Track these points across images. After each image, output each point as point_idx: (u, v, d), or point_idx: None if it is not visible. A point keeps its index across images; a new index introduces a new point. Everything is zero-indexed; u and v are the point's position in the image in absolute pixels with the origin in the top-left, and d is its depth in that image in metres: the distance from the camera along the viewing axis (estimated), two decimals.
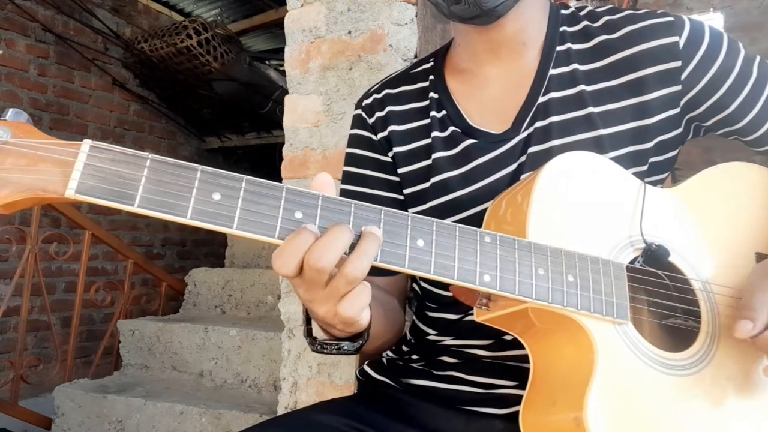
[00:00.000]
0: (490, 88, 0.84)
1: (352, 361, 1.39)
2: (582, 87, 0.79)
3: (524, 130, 0.80)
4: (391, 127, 0.88)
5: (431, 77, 0.89)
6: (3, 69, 3.42)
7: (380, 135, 0.89)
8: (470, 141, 0.82)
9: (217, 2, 4.35)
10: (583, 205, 0.67)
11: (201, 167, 0.51)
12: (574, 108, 0.79)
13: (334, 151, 1.49)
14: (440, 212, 0.81)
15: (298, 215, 0.53)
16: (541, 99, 0.80)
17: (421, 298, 0.91)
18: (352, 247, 0.53)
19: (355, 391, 0.99)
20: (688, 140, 0.83)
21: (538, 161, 0.75)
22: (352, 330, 0.61)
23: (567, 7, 0.86)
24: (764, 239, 0.75)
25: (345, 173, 0.93)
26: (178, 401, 2.09)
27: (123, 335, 2.62)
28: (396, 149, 0.87)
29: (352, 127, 0.94)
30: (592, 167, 0.69)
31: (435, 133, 0.85)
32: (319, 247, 0.52)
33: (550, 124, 0.79)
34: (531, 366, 0.67)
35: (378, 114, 0.90)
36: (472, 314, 0.67)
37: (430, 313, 0.87)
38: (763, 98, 0.77)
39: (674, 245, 0.70)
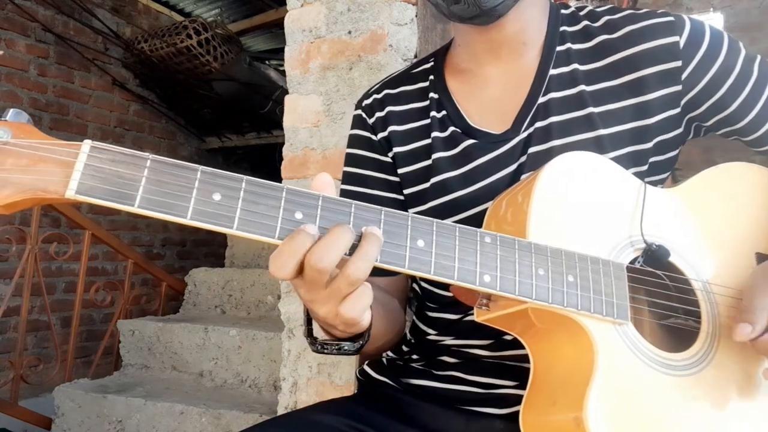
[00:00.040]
0: (490, 88, 0.84)
1: (352, 361, 1.39)
2: (582, 87, 0.79)
3: (524, 131, 0.80)
4: (391, 128, 0.88)
5: (431, 77, 0.89)
6: (3, 69, 3.42)
7: (380, 135, 0.89)
8: (470, 141, 0.82)
9: (217, 2, 4.35)
10: (583, 205, 0.67)
11: (201, 167, 0.51)
12: (575, 108, 0.79)
13: (334, 151, 1.49)
14: (440, 212, 0.81)
15: (298, 215, 0.53)
16: (542, 99, 0.80)
17: (421, 298, 0.91)
18: (353, 248, 0.53)
19: (355, 391, 0.99)
20: (689, 140, 0.83)
21: (538, 161, 0.75)
22: (353, 330, 0.61)
23: (567, 6, 0.86)
24: (764, 239, 0.75)
25: (345, 173, 0.93)
26: (178, 401, 2.09)
27: (123, 335, 2.62)
28: (396, 149, 0.87)
29: (352, 128, 0.94)
30: (592, 167, 0.69)
31: (435, 134, 0.85)
32: (320, 247, 0.51)
33: (551, 124, 0.79)
34: (531, 366, 0.67)
35: (378, 114, 0.90)
36: (472, 314, 0.67)
37: (431, 313, 0.87)
38: (763, 98, 0.77)
39: (674, 245, 0.70)
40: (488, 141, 0.81)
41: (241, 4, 4.30)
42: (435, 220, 0.58)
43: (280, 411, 1.54)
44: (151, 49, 3.85)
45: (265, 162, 4.40)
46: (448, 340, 0.83)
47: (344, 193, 0.90)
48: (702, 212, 0.74)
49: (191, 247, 4.60)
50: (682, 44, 0.75)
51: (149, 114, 4.37)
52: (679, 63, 0.76)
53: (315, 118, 1.52)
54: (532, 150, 0.78)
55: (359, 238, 0.54)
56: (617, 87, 0.78)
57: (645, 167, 0.78)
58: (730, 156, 0.79)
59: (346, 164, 0.93)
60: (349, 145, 0.93)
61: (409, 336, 0.91)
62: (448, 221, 0.59)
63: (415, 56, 1.45)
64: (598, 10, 0.84)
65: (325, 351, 0.65)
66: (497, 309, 0.64)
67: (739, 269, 0.72)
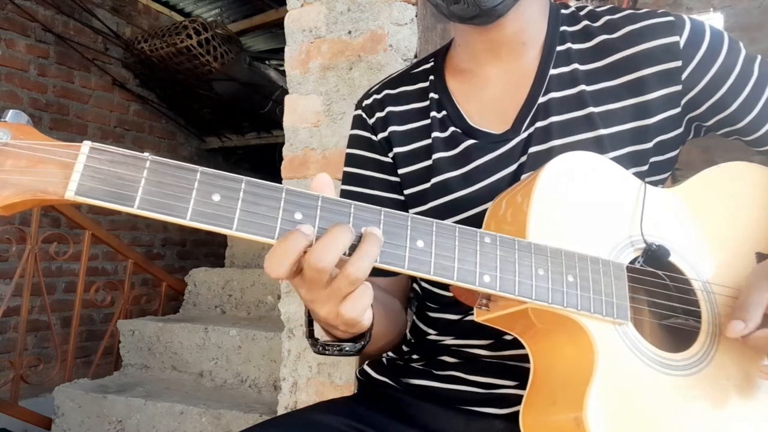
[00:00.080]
0: (491, 89, 0.84)
1: (352, 361, 1.39)
2: (582, 87, 0.79)
3: (524, 130, 0.80)
4: (392, 128, 0.88)
5: (431, 77, 0.89)
6: (3, 69, 3.42)
7: (380, 135, 0.89)
8: (470, 141, 0.82)
9: (217, 2, 4.35)
10: (583, 205, 0.67)
11: (201, 168, 0.51)
12: (575, 108, 0.78)
13: (334, 151, 1.49)
14: (440, 213, 0.81)
15: (298, 216, 0.53)
16: (542, 99, 0.80)
17: (421, 299, 0.91)
18: (354, 248, 0.53)
19: (355, 391, 0.99)
20: (689, 140, 0.83)
21: (538, 161, 0.75)
22: (354, 331, 0.60)
23: (567, 6, 0.86)
24: (765, 239, 0.75)
25: (345, 174, 0.93)
26: (178, 401, 2.09)
27: (123, 335, 2.62)
28: (396, 150, 0.87)
29: (352, 128, 0.94)
30: (592, 167, 0.69)
31: (435, 134, 0.85)
32: (319, 247, 0.51)
33: (551, 124, 0.79)
34: (531, 366, 0.67)
35: (378, 114, 0.90)
36: (472, 314, 0.67)
37: (431, 314, 0.87)
38: (763, 98, 0.77)
39: (674, 245, 0.70)
40: (488, 141, 0.81)
41: (241, 4, 4.30)
42: (434, 220, 0.58)
43: (280, 411, 1.54)
44: (151, 49, 3.85)
45: (265, 162, 4.40)
46: (449, 340, 0.83)
47: (344, 194, 0.90)
48: (702, 212, 0.74)
49: (191, 247, 4.60)
50: (682, 44, 0.75)
51: (149, 114, 4.37)
52: (679, 63, 0.76)
53: (315, 118, 1.52)
54: (532, 150, 0.78)
55: (359, 238, 0.54)
56: (617, 87, 0.78)
57: (645, 167, 0.78)
58: (730, 156, 0.79)
59: (346, 165, 0.93)
60: (349, 146, 0.93)
61: (409, 336, 0.91)
62: (449, 221, 0.59)
63: (415, 56, 1.45)
64: (598, 10, 0.84)
65: (327, 352, 0.65)
66: (497, 309, 0.64)
67: (739, 269, 0.72)
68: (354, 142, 0.93)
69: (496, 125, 0.82)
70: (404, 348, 0.90)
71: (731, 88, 0.76)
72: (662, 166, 0.80)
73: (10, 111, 0.50)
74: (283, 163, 1.57)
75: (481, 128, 0.82)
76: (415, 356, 0.87)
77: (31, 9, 3.57)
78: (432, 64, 0.92)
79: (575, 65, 0.80)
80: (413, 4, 1.45)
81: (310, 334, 0.66)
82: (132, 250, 3.08)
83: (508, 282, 0.59)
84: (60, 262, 3.42)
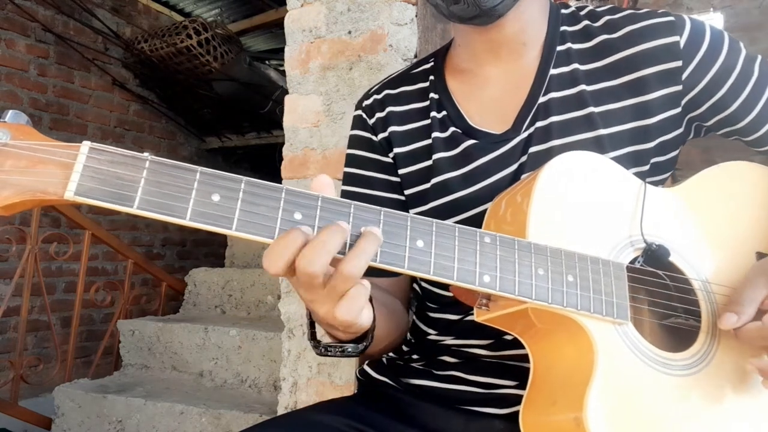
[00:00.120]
0: (491, 89, 0.84)
1: (352, 361, 1.39)
2: (582, 87, 0.79)
3: (525, 130, 0.80)
4: (392, 128, 0.88)
5: (431, 78, 0.89)
6: (3, 69, 3.42)
7: (381, 136, 0.89)
8: (471, 141, 0.82)
9: (217, 2, 4.35)
10: (583, 204, 0.67)
11: (200, 168, 0.51)
12: (575, 108, 0.78)
13: (334, 151, 1.49)
14: (441, 213, 0.81)
15: (298, 216, 0.53)
16: (542, 99, 0.80)
17: (421, 298, 0.90)
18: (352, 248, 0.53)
19: (355, 391, 0.99)
20: (689, 140, 0.83)
21: (538, 161, 0.75)
22: (353, 331, 0.61)
23: (567, 6, 0.86)
24: (765, 239, 0.75)
25: (346, 174, 0.93)
26: (178, 401, 2.09)
27: (123, 335, 2.62)
28: (396, 150, 0.87)
29: (353, 128, 0.94)
30: (592, 167, 0.69)
31: (435, 134, 0.85)
32: (308, 251, 0.51)
33: (551, 124, 0.78)
34: (531, 366, 0.67)
35: (378, 115, 0.90)
36: (472, 314, 0.67)
37: (431, 314, 0.87)
38: (764, 98, 0.77)
39: (674, 245, 0.70)
40: (489, 141, 0.81)
41: (241, 4, 4.30)
42: (434, 220, 0.58)
43: (280, 411, 1.54)
44: (151, 49, 3.85)
45: (265, 162, 4.40)
46: (449, 340, 0.83)
47: (345, 194, 0.90)
48: (702, 212, 0.74)
49: (191, 247, 4.60)
50: (682, 44, 0.75)
51: (149, 114, 4.37)
52: (679, 63, 0.75)
53: (315, 118, 1.52)
54: (532, 150, 0.78)
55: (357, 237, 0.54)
56: (617, 87, 0.78)
57: (646, 167, 0.78)
58: (730, 156, 0.79)
59: (347, 165, 0.93)
60: (350, 146, 0.93)
61: (409, 336, 0.91)
62: (449, 221, 0.59)
63: (415, 56, 1.45)
64: (599, 9, 0.84)
65: (329, 354, 0.65)
66: (497, 309, 0.64)
67: (740, 269, 0.72)
68: (354, 142, 0.93)
69: (496, 125, 0.82)
70: (404, 348, 0.90)
71: (731, 88, 0.76)
72: (663, 167, 0.80)
73: (10, 111, 0.50)
74: (283, 163, 1.57)
75: (481, 128, 0.82)
76: (415, 356, 0.87)
77: (31, 9, 3.56)
78: (432, 64, 0.92)
79: (575, 65, 0.80)
80: (413, 4, 1.45)
81: (312, 336, 0.66)
82: (132, 250, 3.08)
83: (508, 282, 0.59)
84: (60, 262, 3.42)
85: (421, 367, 0.85)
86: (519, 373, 0.74)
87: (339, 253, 0.52)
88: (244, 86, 4.02)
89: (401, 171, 0.87)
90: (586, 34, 0.82)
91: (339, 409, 0.83)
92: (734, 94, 0.77)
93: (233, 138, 4.66)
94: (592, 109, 0.78)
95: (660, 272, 0.70)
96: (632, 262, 0.67)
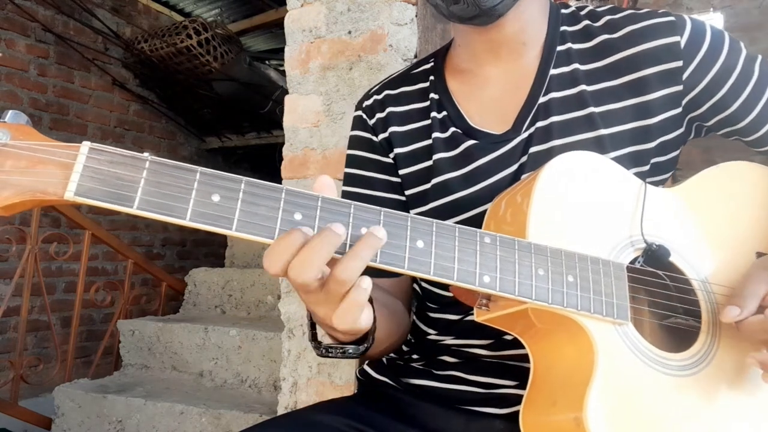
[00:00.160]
0: (491, 89, 0.84)
1: (352, 361, 1.39)
2: (583, 87, 0.79)
3: (525, 131, 0.80)
4: (392, 129, 0.88)
5: (431, 78, 0.89)
6: (3, 69, 3.42)
7: (381, 136, 0.89)
8: (471, 142, 0.82)
9: (217, 2, 4.35)
10: (583, 205, 0.67)
11: (200, 169, 0.51)
12: (575, 108, 0.78)
13: (334, 151, 1.49)
14: (441, 213, 0.81)
15: (298, 217, 0.53)
16: (542, 99, 0.80)
17: (421, 299, 0.90)
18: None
19: (355, 391, 0.99)
20: (690, 140, 0.83)
21: (539, 161, 0.75)
22: (353, 333, 0.60)
23: (567, 6, 0.86)
24: (765, 239, 0.75)
25: (346, 175, 0.93)
26: (178, 401, 2.09)
27: (123, 335, 2.62)
28: (397, 150, 0.87)
29: (353, 129, 0.94)
30: (592, 167, 0.69)
31: (436, 134, 0.85)
32: (296, 262, 0.51)
33: (551, 124, 0.78)
34: (531, 366, 0.67)
35: (378, 115, 0.90)
36: (472, 314, 0.67)
37: (431, 314, 0.87)
38: (764, 98, 0.77)
39: (675, 245, 0.70)
40: (489, 141, 0.81)
41: (241, 4, 4.30)
42: (434, 220, 0.58)
43: (280, 411, 1.54)
44: (151, 49, 3.85)
45: (265, 162, 4.40)
46: (449, 340, 0.83)
47: (346, 195, 0.90)
48: (702, 212, 0.74)
49: (191, 247, 4.60)
50: (683, 44, 0.75)
51: (149, 114, 4.37)
52: (680, 63, 0.75)
53: (315, 118, 1.52)
54: (533, 150, 0.78)
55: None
56: (618, 87, 0.78)
57: (647, 167, 0.78)
58: (730, 156, 0.79)
59: (347, 165, 0.93)
60: (350, 147, 0.93)
61: (409, 336, 0.91)
62: (449, 222, 0.59)
63: (415, 56, 1.45)
64: (599, 9, 0.84)
65: (330, 355, 0.65)
66: (497, 309, 0.64)
67: (740, 269, 0.71)
68: (354, 143, 0.93)
69: (496, 125, 0.82)
70: (404, 348, 0.90)
71: (732, 88, 0.76)
72: (663, 167, 0.80)
73: (10, 111, 0.50)
74: (283, 163, 1.57)
75: (481, 128, 0.82)
76: (415, 356, 0.87)
77: (31, 9, 3.56)
78: (432, 64, 0.92)
79: (576, 65, 0.80)
80: (413, 4, 1.45)
81: (313, 337, 0.66)
82: (132, 250, 3.08)
83: (508, 282, 0.59)
84: (60, 262, 3.42)
85: (421, 367, 0.85)
86: (519, 373, 0.74)
87: (338, 252, 0.52)
88: (244, 86, 4.02)
89: (401, 171, 0.87)
90: (586, 34, 0.82)
91: (339, 409, 0.83)
92: (735, 94, 0.77)
93: (233, 138, 4.66)
94: (592, 109, 0.78)
95: (660, 272, 0.70)
96: (632, 262, 0.67)
